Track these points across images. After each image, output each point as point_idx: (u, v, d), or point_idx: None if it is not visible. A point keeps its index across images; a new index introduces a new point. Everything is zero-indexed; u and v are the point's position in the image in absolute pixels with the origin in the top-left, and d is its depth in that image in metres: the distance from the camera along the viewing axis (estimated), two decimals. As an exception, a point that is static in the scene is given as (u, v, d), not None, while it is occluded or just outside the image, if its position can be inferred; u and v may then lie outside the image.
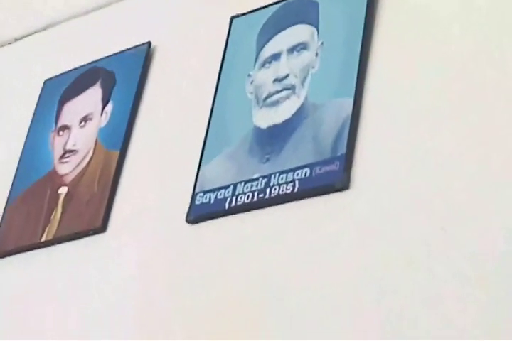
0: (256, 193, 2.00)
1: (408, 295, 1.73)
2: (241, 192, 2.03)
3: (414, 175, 1.85)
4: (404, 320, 1.71)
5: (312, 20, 2.15)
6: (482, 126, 1.82)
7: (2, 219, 2.45)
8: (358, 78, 2.00)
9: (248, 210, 2.02)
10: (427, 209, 1.79)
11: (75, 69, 2.60)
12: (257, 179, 2.02)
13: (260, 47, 2.22)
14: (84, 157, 2.38)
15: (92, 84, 2.51)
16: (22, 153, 2.56)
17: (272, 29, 2.22)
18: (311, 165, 1.95)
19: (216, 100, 2.23)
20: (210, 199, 2.07)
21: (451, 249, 1.72)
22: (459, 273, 1.69)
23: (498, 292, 1.60)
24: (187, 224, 2.10)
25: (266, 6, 2.28)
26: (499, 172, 1.73)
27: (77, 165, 2.38)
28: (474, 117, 1.85)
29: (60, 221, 2.32)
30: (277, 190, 1.97)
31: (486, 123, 1.81)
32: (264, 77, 2.16)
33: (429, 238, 1.75)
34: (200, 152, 2.18)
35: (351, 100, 1.97)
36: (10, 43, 2.92)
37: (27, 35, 2.88)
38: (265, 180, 2.00)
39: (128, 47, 2.52)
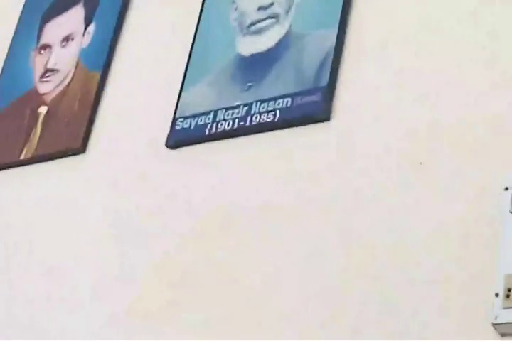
0: (236, 121, 2.01)
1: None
2: (221, 119, 2.04)
3: (395, 108, 1.86)
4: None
5: None
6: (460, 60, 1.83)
7: (-17, 134, 2.43)
8: (342, 9, 2.00)
9: (228, 137, 2.04)
10: (406, 144, 1.80)
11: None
12: (238, 106, 2.03)
13: (244, -28, 2.20)
14: (65, 77, 2.38)
15: (75, 3, 2.49)
16: (2, 70, 2.56)
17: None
18: (292, 95, 1.96)
19: (199, 26, 2.22)
20: (190, 125, 2.08)
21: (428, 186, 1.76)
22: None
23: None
24: (166, 149, 2.12)
25: None
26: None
27: (58, 85, 2.38)
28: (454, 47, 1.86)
29: (39, 140, 2.34)
30: (258, 118, 1.98)
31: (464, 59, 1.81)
32: (249, 5, 2.15)
33: (408, 172, 1.78)
34: (181, 78, 2.17)
35: (335, 31, 1.97)
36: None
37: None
38: (246, 107, 2.01)
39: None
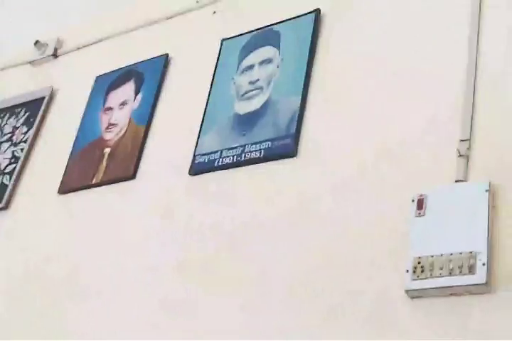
0: (235, 157, 2.01)
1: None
2: (225, 155, 2.03)
3: (341, 149, 1.83)
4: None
5: (276, 43, 2.15)
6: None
7: (66, 167, 2.42)
8: (304, 83, 2.00)
9: (229, 168, 2.02)
10: (350, 172, 1.77)
11: (117, 69, 2.56)
12: (236, 147, 2.03)
13: (241, 60, 2.21)
14: (122, 129, 2.37)
15: (128, 80, 2.49)
16: (80, 125, 2.52)
17: (249, 48, 2.21)
18: (272, 140, 1.96)
19: (210, 94, 2.21)
20: (204, 160, 2.07)
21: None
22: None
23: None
24: (189, 176, 2.09)
25: (245, 33, 2.26)
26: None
27: (117, 134, 2.37)
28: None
29: (105, 170, 2.31)
30: (249, 155, 1.98)
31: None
32: (243, 80, 2.15)
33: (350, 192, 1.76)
34: (198, 129, 2.15)
35: (299, 98, 1.98)
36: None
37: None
38: (242, 148, 2.01)
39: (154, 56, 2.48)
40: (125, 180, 2.24)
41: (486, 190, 1.49)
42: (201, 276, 1.89)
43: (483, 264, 1.40)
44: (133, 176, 2.22)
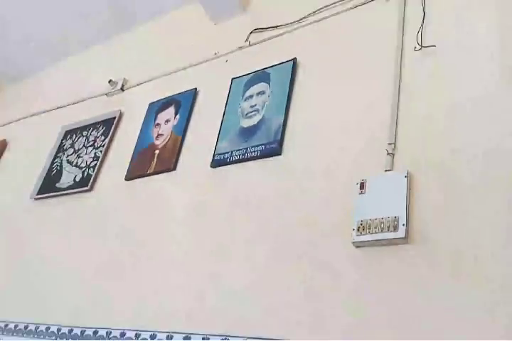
0: (241, 155, 1.99)
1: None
2: (234, 154, 2.01)
3: (316, 150, 1.81)
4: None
5: (267, 81, 2.13)
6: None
7: (130, 163, 2.39)
8: (286, 107, 1.98)
9: (237, 163, 1.99)
10: (325, 167, 1.75)
11: (163, 98, 2.53)
12: (241, 149, 2.00)
13: (244, 91, 2.18)
14: (166, 138, 2.34)
15: (170, 106, 2.46)
16: (139, 136, 2.49)
17: (249, 84, 2.19)
18: (265, 144, 1.94)
19: (225, 115, 2.17)
20: (221, 157, 2.05)
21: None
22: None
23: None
24: (211, 168, 2.07)
25: (247, 74, 2.23)
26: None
27: (163, 141, 2.34)
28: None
29: (155, 164, 2.28)
30: (250, 154, 1.96)
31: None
32: (246, 105, 2.13)
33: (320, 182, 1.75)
34: (216, 137, 2.13)
35: (283, 116, 1.96)
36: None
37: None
38: (245, 149, 1.99)
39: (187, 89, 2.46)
40: (168, 171, 2.22)
41: (405, 176, 1.49)
42: (222, 237, 1.84)
43: (403, 225, 1.40)
44: (174, 168, 2.20)
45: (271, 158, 1.90)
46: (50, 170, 2.76)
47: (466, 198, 1.37)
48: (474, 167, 1.41)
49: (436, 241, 1.35)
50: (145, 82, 2.73)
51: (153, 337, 1.77)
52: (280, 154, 1.88)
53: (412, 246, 1.38)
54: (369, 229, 1.45)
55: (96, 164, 2.55)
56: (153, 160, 2.30)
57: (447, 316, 1.23)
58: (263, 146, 1.93)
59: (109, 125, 2.67)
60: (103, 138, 2.65)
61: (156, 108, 2.51)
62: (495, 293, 1.20)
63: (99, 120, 2.76)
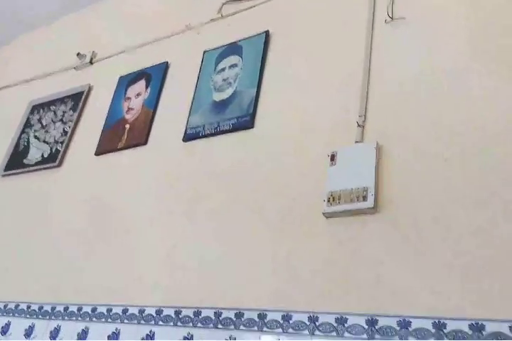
0: (213, 129, 2.01)
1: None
2: (207, 128, 2.03)
3: (287, 122, 1.84)
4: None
5: (240, 53, 2.14)
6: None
7: (100, 138, 2.40)
8: (258, 80, 2.00)
9: (209, 136, 2.02)
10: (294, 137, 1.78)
11: (133, 72, 2.53)
12: (213, 123, 2.02)
13: (216, 64, 2.19)
14: (137, 112, 2.34)
15: (140, 79, 2.46)
16: (109, 109, 2.49)
17: (222, 57, 2.20)
18: (237, 117, 1.96)
19: (196, 88, 2.19)
20: (193, 131, 2.07)
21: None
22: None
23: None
24: (183, 142, 2.09)
25: (219, 47, 2.24)
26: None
27: (134, 115, 2.34)
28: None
29: (126, 139, 2.29)
30: (223, 127, 1.98)
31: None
32: (218, 78, 2.14)
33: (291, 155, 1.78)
34: (188, 111, 2.14)
35: (255, 89, 1.98)
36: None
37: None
38: (217, 123, 2.01)
39: (158, 62, 2.45)
40: (140, 146, 2.23)
41: (374, 148, 1.53)
42: (193, 203, 1.89)
43: (372, 195, 1.45)
44: (145, 143, 2.21)
45: (243, 132, 1.92)
46: (17, 146, 2.75)
47: (433, 168, 1.42)
48: (442, 138, 1.46)
49: (404, 210, 1.40)
50: (114, 55, 2.71)
51: (124, 311, 1.80)
52: (253, 127, 1.90)
53: (380, 215, 1.43)
54: (339, 199, 1.49)
55: (64, 139, 2.54)
56: (123, 134, 2.30)
57: (414, 279, 1.29)
58: (236, 119, 1.95)
59: (77, 99, 2.66)
60: (72, 112, 2.64)
61: (126, 81, 2.51)
62: (459, 258, 1.26)
63: (68, 94, 2.74)
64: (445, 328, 1.16)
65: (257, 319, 1.47)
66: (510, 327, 1.09)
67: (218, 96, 2.08)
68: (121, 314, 1.80)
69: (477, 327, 1.13)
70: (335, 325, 1.33)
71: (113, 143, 2.31)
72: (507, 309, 1.12)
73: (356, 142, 1.59)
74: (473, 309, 1.16)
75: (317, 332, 1.34)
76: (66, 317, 1.94)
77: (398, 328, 1.22)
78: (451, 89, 1.51)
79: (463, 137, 1.42)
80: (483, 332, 1.11)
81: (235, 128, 1.94)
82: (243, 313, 1.51)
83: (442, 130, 1.47)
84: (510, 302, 1.13)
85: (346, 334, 1.30)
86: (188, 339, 1.58)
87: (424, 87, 1.57)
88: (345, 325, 1.31)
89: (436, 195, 1.37)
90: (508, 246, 1.20)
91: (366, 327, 1.27)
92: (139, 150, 2.22)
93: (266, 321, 1.45)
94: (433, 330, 1.18)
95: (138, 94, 2.40)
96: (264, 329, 1.44)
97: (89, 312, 1.88)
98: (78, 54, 2.83)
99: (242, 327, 1.49)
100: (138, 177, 2.14)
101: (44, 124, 2.74)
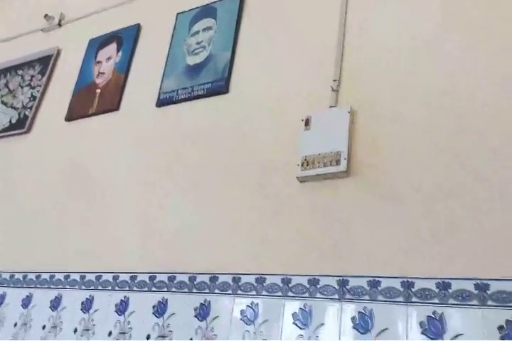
0: (187, 94, 2.01)
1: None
2: (180, 93, 2.03)
3: (259, 87, 1.85)
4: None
5: (214, 16, 2.12)
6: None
7: (70, 103, 2.38)
8: (233, 43, 1.99)
9: (183, 101, 2.02)
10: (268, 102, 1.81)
11: (104, 35, 2.49)
12: (187, 87, 2.02)
13: (190, 27, 2.17)
14: (108, 76, 2.32)
15: (111, 42, 2.42)
16: (79, 73, 2.46)
17: (196, 19, 2.18)
18: (211, 82, 1.96)
19: (170, 51, 2.17)
20: (166, 96, 2.06)
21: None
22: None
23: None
24: (156, 108, 2.09)
25: (193, 9, 2.21)
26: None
27: (105, 80, 2.33)
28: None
29: (97, 104, 2.28)
30: (197, 92, 1.98)
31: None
32: (192, 41, 2.13)
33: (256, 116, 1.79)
34: (162, 75, 2.13)
35: (230, 53, 1.97)
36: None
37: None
38: (191, 88, 2.01)
39: (130, 25, 2.42)
40: (112, 111, 2.21)
41: (348, 112, 1.55)
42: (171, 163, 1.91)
43: (345, 159, 1.48)
44: (117, 108, 2.20)
45: (218, 97, 1.92)
46: (-17, 112, 2.71)
47: (405, 133, 1.46)
48: (414, 103, 1.49)
49: (376, 174, 1.44)
50: (84, 16, 2.66)
51: (98, 278, 1.82)
52: (227, 92, 1.91)
53: (353, 179, 1.46)
54: (313, 164, 1.52)
55: (33, 105, 2.51)
56: (94, 99, 2.28)
57: (384, 240, 1.34)
58: (210, 84, 1.95)
59: (46, 63, 2.61)
60: (40, 77, 2.60)
61: (97, 45, 2.47)
62: (428, 220, 1.32)
63: (36, 58, 2.69)
64: (413, 287, 1.22)
65: (231, 282, 1.52)
66: (475, 284, 1.15)
67: (192, 60, 2.07)
68: (94, 281, 1.82)
69: (443, 286, 1.19)
70: (307, 286, 1.38)
71: (84, 109, 2.29)
72: (473, 268, 1.18)
73: (331, 107, 1.61)
74: (441, 269, 1.22)
75: (290, 294, 1.39)
76: (38, 285, 1.96)
77: (368, 288, 1.28)
78: (424, 55, 1.54)
79: (435, 102, 1.45)
80: (449, 290, 1.17)
81: (209, 93, 1.94)
82: (218, 277, 1.55)
83: (414, 95, 1.50)
84: (476, 262, 1.18)
85: (318, 294, 1.35)
86: (162, 303, 1.61)
87: (398, 53, 1.59)
88: (318, 286, 1.36)
89: (408, 159, 1.41)
90: (477, 209, 1.25)
91: (337, 287, 1.33)
92: (111, 115, 2.20)
93: (240, 284, 1.50)
94: (401, 289, 1.23)
95: (109, 58, 2.37)
96: (239, 292, 1.49)
97: (62, 280, 1.91)
98: (46, 16, 2.76)
99: (216, 290, 1.53)
100: (111, 143, 2.14)
101: (11, 89, 2.70)
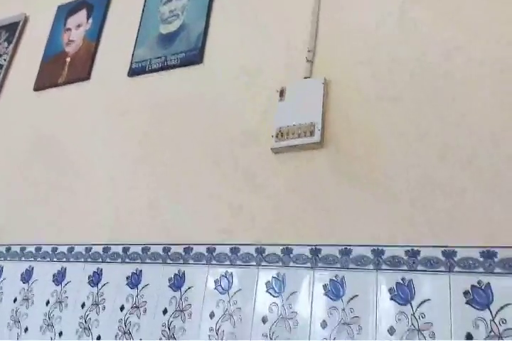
0: (160, 63, 2.00)
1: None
2: (153, 62, 2.01)
3: (231, 56, 1.85)
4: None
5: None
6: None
7: (38, 72, 2.35)
8: (207, 12, 1.97)
9: (156, 71, 2.01)
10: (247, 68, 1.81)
11: (73, 1, 2.45)
12: (160, 57, 2.01)
13: (164, -4, 2.15)
14: (78, 44, 2.29)
15: (81, 9, 2.38)
16: (47, 41, 2.43)
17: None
18: (185, 51, 1.95)
19: (142, 20, 2.15)
20: (139, 65, 2.05)
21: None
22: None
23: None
24: (128, 77, 2.08)
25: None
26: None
27: (75, 48, 2.29)
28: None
29: (67, 73, 2.25)
30: (170, 62, 1.98)
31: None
32: (165, 10, 2.10)
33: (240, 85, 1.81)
34: (134, 44, 2.11)
35: (203, 23, 1.96)
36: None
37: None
38: (164, 57, 1.99)
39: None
40: (82, 81, 2.19)
41: (322, 83, 1.57)
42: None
43: (319, 130, 1.50)
44: (88, 77, 2.18)
45: (192, 67, 1.91)
46: None
47: (378, 105, 1.48)
48: (388, 75, 1.51)
49: (349, 145, 1.47)
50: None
51: (70, 250, 1.83)
52: (201, 62, 1.90)
53: (326, 150, 1.49)
54: (287, 135, 1.54)
55: (0, 73, 2.47)
56: (64, 68, 2.25)
57: (356, 210, 1.38)
58: (183, 54, 1.94)
59: (12, 30, 2.57)
60: (6, 44, 2.55)
61: (66, 11, 2.43)
62: (399, 190, 1.36)
63: (1, 25, 2.64)
64: (383, 255, 1.27)
65: (205, 253, 1.54)
66: (442, 251, 1.20)
67: (165, 29, 2.05)
68: (66, 253, 1.83)
69: (413, 253, 1.24)
70: (280, 255, 1.41)
71: (53, 78, 2.26)
72: (442, 236, 1.23)
73: (305, 78, 1.63)
74: (410, 237, 1.27)
75: (264, 263, 1.43)
76: (8, 258, 1.97)
77: (340, 256, 1.32)
78: (398, 26, 1.55)
79: (408, 75, 1.47)
80: (418, 257, 1.22)
81: (182, 63, 1.93)
82: (192, 248, 1.58)
83: (388, 66, 1.52)
84: (445, 230, 1.23)
85: (291, 263, 1.39)
86: (136, 275, 1.64)
87: (374, 25, 1.60)
88: (291, 256, 1.40)
89: (380, 131, 1.44)
90: (445, 179, 1.29)
91: (310, 256, 1.37)
92: (81, 85, 2.18)
93: (214, 255, 1.52)
94: (372, 257, 1.28)
95: (79, 25, 2.34)
96: (213, 262, 1.52)
97: (33, 252, 1.91)
98: (12, -20, 2.69)
99: (190, 261, 1.56)
100: (81, 113, 2.12)
101: (-24, 57, 2.64)
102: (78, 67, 2.22)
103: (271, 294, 1.39)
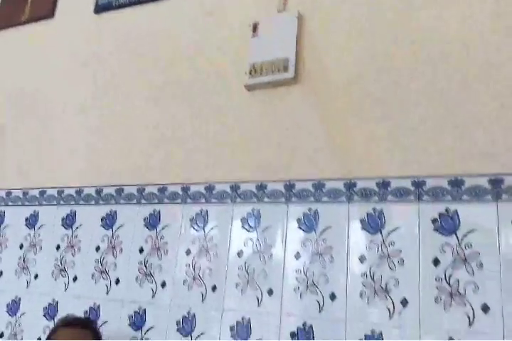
0: None
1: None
2: None
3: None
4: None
5: None
6: None
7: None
8: None
9: (124, 7, 1.95)
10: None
11: None
12: None
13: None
14: None
15: None
16: None
17: None
18: None
19: None
20: (105, 1, 1.99)
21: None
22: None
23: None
24: (95, 14, 2.03)
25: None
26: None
27: None
28: None
29: (30, 11, 2.18)
30: None
31: None
32: None
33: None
34: None
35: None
36: None
37: None
38: None
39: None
40: (46, 19, 2.12)
41: (296, 17, 1.56)
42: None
43: (292, 65, 1.51)
44: (52, 15, 2.11)
45: (160, 2, 1.87)
46: None
47: (354, 39, 1.49)
48: (358, 10, 1.51)
49: (322, 80, 1.48)
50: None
51: (42, 193, 1.84)
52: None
53: (300, 86, 1.51)
54: (261, 71, 1.55)
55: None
56: (26, 5, 2.18)
57: (327, 144, 1.41)
58: None
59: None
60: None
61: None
62: (368, 121, 1.39)
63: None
64: (355, 187, 1.32)
65: (180, 192, 1.58)
66: (412, 182, 1.25)
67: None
68: (38, 196, 1.84)
69: (383, 184, 1.29)
70: (255, 191, 1.46)
71: (14, 16, 2.19)
72: (411, 167, 1.27)
73: (279, 12, 1.61)
74: (381, 168, 1.31)
75: (238, 200, 1.47)
76: (-23, 204, 1.97)
77: (313, 190, 1.37)
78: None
79: (379, 9, 1.48)
80: (389, 188, 1.27)
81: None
82: (166, 187, 1.61)
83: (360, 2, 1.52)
84: (414, 161, 1.27)
85: (266, 199, 1.43)
86: (111, 216, 1.67)
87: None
88: (265, 192, 1.44)
89: (352, 65, 1.46)
90: (412, 112, 1.32)
91: (284, 191, 1.41)
92: (45, 23, 2.12)
93: (189, 193, 1.56)
94: (344, 189, 1.33)
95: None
96: (188, 201, 1.55)
97: (4, 197, 1.92)
98: None
99: (165, 200, 1.59)
100: (46, 55, 2.08)
101: None
102: (41, 3, 2.14)
103: (246, 229, 1.44)
